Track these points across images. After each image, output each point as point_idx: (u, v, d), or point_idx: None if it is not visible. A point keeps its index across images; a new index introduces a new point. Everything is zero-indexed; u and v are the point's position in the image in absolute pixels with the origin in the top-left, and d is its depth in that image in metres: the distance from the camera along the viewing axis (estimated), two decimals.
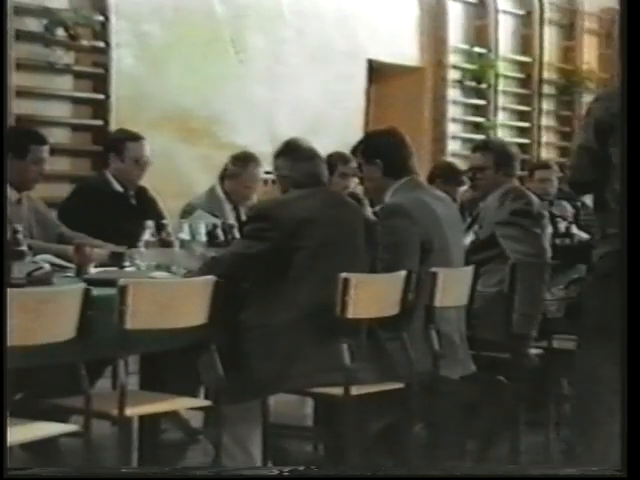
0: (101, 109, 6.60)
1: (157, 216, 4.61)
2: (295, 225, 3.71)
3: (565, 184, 4.41)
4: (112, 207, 4.78)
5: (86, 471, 2.95)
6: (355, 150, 4.36)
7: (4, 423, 2.75)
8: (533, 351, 4.46)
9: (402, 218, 3.98)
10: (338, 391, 3.53)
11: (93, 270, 3.84)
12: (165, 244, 4.07)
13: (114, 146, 4.99)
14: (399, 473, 3.74)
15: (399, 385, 3.72)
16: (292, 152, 3.97)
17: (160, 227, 4.10)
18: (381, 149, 4.18)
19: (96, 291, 3.13)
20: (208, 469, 3.54)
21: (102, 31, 6.54)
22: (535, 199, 4.71)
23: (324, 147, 4.35)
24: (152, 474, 3.00)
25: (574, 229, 5.94)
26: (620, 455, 2.78)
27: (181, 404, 3.59)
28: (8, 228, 3.64)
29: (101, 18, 6.51)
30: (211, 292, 3.37)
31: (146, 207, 4.89)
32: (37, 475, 2.85)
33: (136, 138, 4.98)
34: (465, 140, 9.53)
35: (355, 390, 3.54)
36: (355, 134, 8.09)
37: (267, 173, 4.71)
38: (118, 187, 4.94)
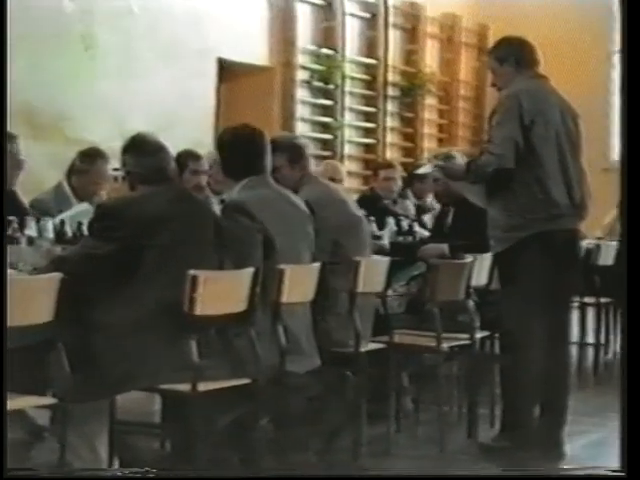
0: None
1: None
2: (143, 224, 3.71)
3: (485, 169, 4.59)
4: None
5: (86, 472, 2.91)
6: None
7: (4, 423, 2.69)
8: (373, 345, 4.60)
9: (241, 215, 4.04)
10: (185, 387, 3.55)
11: None
12: (11, 241, 4.02)
13: None
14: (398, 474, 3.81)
15: (246, 380, 3.79)
16: (138, 147, 3.96)
17: (6, 223, 4.05)
18: (227, 147, 4.23)
19: None
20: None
21: None
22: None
23: (175, 144, 4.38)
24: (152, 474, 3.00)
25: (416, 227, 6.13)
26: (620, 455, 2.81)
27: (27, 402, 3.56)
28: None
29: None
30: (57, 290, 3.35)
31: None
32: (37, 475, 2.79)
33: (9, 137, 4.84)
34: (314, 140, 9.68)
35: (202, 386, 3.58)
36: (206, 132, 8.15)
37: (116, 170, 4.70)
38: None
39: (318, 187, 4.56)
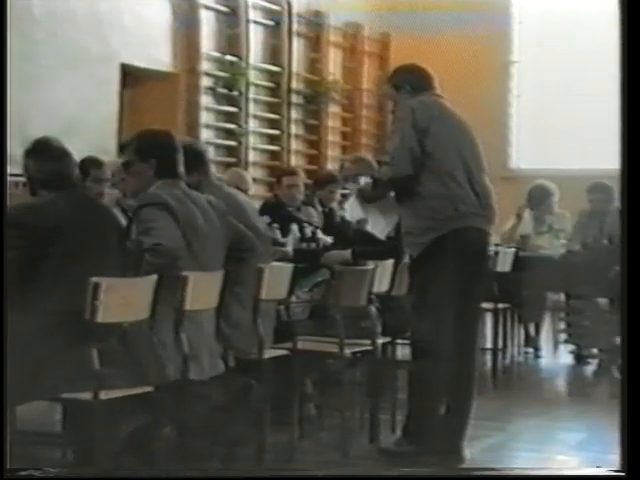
0: None
1: None
2: (44, 232, 3.68)
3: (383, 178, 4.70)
4: None
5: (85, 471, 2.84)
6: (125, 146, 4.35)
7: (4, 423, 2.61)
8: (276, 352, 4.63)
9: (156, 206, 4.00)
10: (87, 396, 3.54)
11: None
12: None
13: None
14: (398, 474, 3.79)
15: (149, 388, 3.78)
16: (41, 151, 3.92)
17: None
18: (156, 148, 4.19)
19: None
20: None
21: None
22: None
23: (78, 151, 4.33)
24: (152, 474, 2.92)
25: (320, 234, 6.18)
26: (620, 455, 2.81)
27: None
28: None
29: None
30: None
31: None
32: (37, 475, 2.73)
33: None
34: (218, 146, 9.68)
35: (104, 395, 3.57)
36: (109, 138, 8.08)
37: (17, 176, 4.63)
38: None
39: (218, 194, 4.56)
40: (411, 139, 4.58)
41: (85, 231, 3.81)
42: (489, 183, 4.79)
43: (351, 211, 5.16)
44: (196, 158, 4.61)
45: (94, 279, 3.55)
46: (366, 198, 4.95)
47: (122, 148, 4.40)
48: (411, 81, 4.80)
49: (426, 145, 4.60)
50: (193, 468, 3.88)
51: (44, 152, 3.91)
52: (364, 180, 4.98)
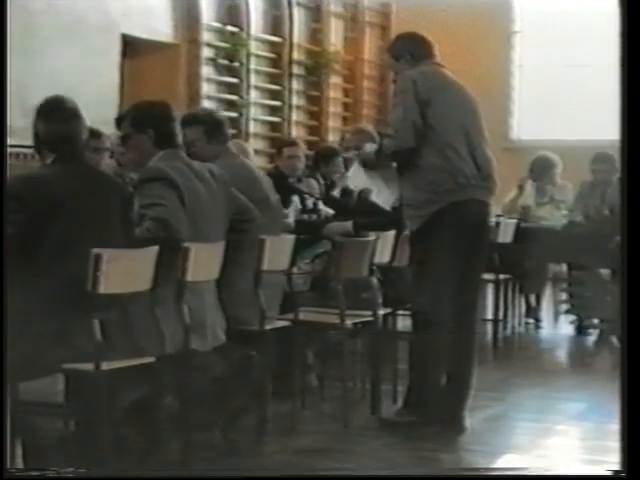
0: None
1: None
2: (45, 205, 3.65)
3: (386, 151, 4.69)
4: None
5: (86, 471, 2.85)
6: (121, 120, 4.33)
7: (4, 423, 2.61)
8: (278, 323, 4.64)
9: (160, 181, 3.99)
10: (89, 367, 3.55)
11: None
12: None
13: None
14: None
15: (150, 359, 3.80)
16: (50, 111, 3.87)
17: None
18: (153, 119, 4.18)
19: None
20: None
21: None
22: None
23: None
24: (152, 474, 2.94)
25: (321, 205, 6.17)
26: (620, 455, 2.81)
27: None
28: None
29: None
30: None
31: None
32: (37, 475, 2.74)
33: None
34: None
35: (106, 365, 3.58)
36: (110, 109, 8.05)
37: (18, 147, 4.62)
38: None
39: (233, 163, 4.57)
40: (413, 111, 4.55)
41: (89, 202, 3.79)
42: (490, 153, 4.78)
43: (354, 179, 5.13)
44: (217, 127, 4.64)
45: (96, 250, 3.55)
46: (369, 165, 4.93)
47: (118, 122, 4.36)
48: (411, 50, 4.77)
49: (428, 117, 4.58)
50: (193, 468, 3.90)
51: (53, 112, 3.87)
52: (368, 147, 4.96)
